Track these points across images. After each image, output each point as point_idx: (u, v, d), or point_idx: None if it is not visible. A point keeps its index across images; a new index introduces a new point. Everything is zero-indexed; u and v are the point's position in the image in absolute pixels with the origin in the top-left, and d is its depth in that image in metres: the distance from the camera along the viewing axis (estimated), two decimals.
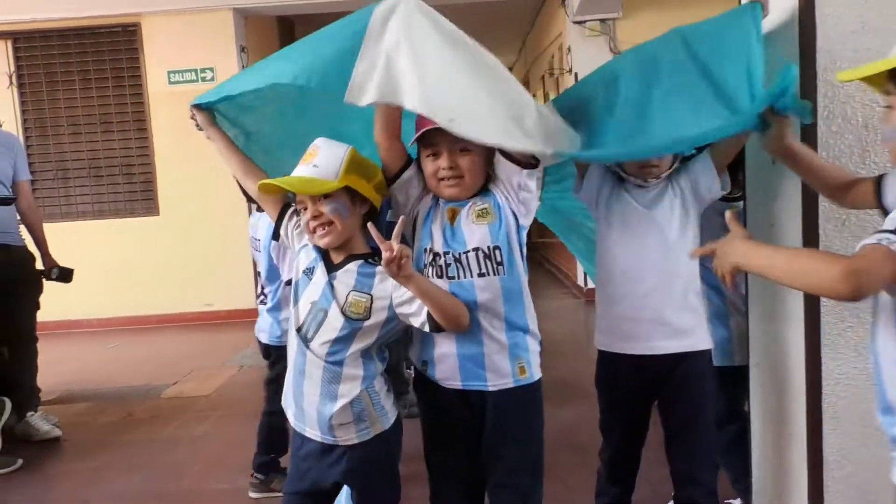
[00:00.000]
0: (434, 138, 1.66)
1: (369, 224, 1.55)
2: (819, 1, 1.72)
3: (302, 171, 1.64)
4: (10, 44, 6.51)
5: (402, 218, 1.65)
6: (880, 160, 1.74)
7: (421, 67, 1.54)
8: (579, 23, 6.46)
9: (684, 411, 1.92)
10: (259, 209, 2.55)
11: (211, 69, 6.53)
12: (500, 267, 1.68)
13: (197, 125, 1.93)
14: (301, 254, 1.73)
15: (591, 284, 5.56)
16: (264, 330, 2.76)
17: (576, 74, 6.54)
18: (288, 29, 8.39)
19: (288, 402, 1.74)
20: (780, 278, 1.35)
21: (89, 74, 6.58)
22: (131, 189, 6.76)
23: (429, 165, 1.72)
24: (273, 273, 2.69)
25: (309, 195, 1.62)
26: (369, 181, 1.69)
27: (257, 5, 6.62)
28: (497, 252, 1.67)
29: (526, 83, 10.22)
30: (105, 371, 5.08)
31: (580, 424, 3.07)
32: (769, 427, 2.07)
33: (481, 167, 1.70)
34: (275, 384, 2.54)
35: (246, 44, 6.72)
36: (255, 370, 4.89)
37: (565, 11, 6.56)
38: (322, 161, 1.63)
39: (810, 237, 1.76)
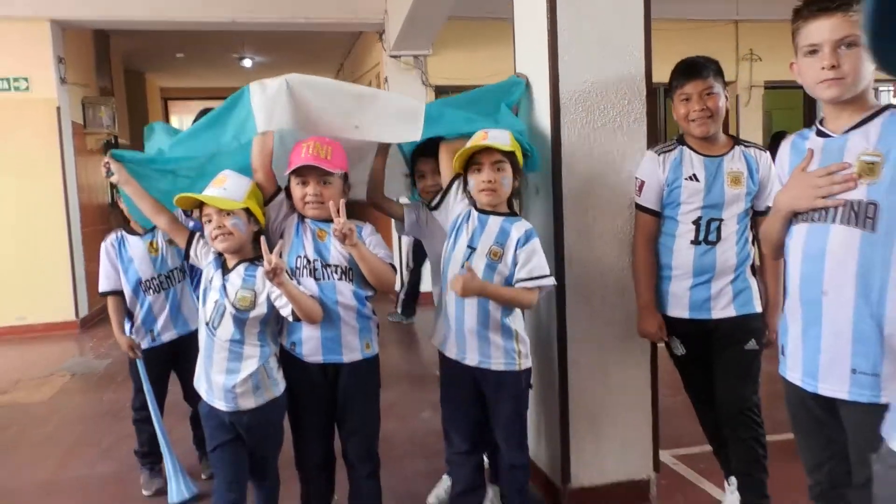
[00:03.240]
0: (304, 170, 2.24)
1: (262, 238, 2.09)
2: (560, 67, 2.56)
3: (213, 192, 2.15)
4: None
5: (280, 241, 2.21)
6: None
7: (316, 97, 2.26)
8: (395, 56, 7.22)
9: None
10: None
11: (25, 79, 6.43)
12: (352, 273, 2.29)
13: (109, 172, 2.33)
14: (207, 269, 2.23)
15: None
16: None
17: None
18: (103, 41, 8.32)
19: (200, 382, 2.23)
20: None
21: None
22: None
23: (298, 191, 2.29)
24: None
25: (217, 209, 2.13)
26: (261, 207, 2.23)
27: (76, 18, 6.60)
28: (352, 271, 2.29)
29: None
30: None
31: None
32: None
33: (339, 196, 2.30)
34: None
35: (64, 55, 6.67)
36: (89, 376, 5.03)
37: (382, 46, 7.28)
38: (230, 186, 2.16)
39: (559, 243, 2.58)
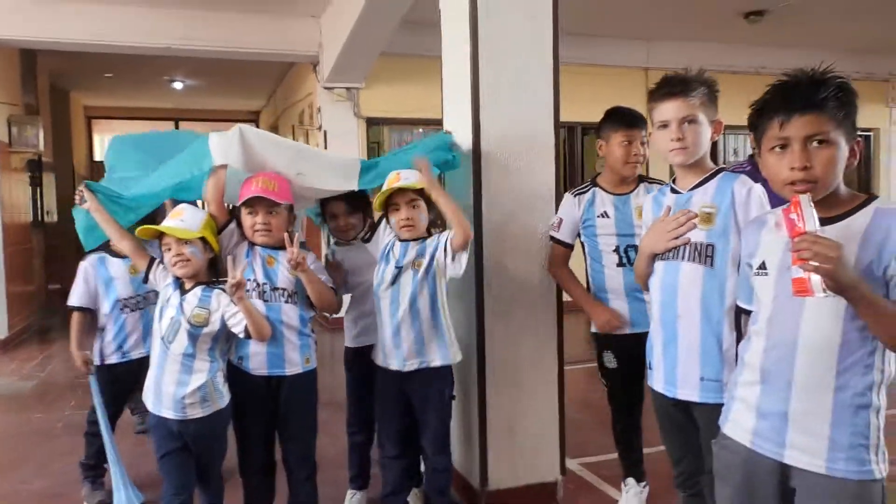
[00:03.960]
0: (254, 201, 2.51)
1: (229, 258, 2.36)
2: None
3: (172, 223, 2.38)
4: None
5: (242, 260, 2.47)
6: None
7: (263, 147, 2.57)
8: (329, 88, 7.50)
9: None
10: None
11: None
12: (297, 296, 2.57)
13: (82, 199, 2.53)
14: (165, 290, 2.45)
15: None
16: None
17: (325, 132, 7.56)
18: (30, 59, 8.26)
19: (147, 394, 2.43)
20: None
21: None
22: None
23: (248, 220, 2.55)
24: None
25: (175, 238, 2.36)
26: (214, 236, 2.47)
27: (8, 37, 6.59)
28: (297, 295, 2.57)
29: (275, 129, 11.00)
30: None
31: None
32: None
33: (285, 225, 2.57)
34: None
35: None
36: (15, 396, 5.03)
37: (316, 77, 7.56)
38: (187, 218, 2.40)
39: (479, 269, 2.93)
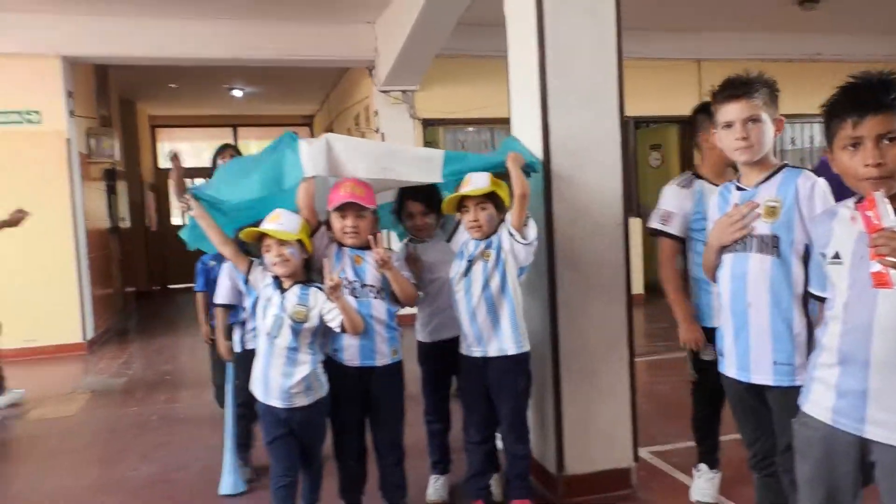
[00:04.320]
0: (344, 206, 2.72)
1: (324, 260, 2.58)
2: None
3: (271, 226, 2.59)
4: None
5: (339, 264, 2.69)
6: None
7: (349, 152, 2.80)
8: (385, 91, 7.73)
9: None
10: None
11: (37, 112, 6.80)
12: (384, 292, 2.77)
13: (188, 207, 2.77)
14: (266, 290, 2.67)
15: None
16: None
17: (382, 134, 7.78)
18: (103, 74, 8.72)
19: (257, 385, 2.65)
20: None
21: None
22: None
23: (338, 223, 2.76)
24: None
25: (276, 240, 2.58)
26: (308, 238, 2.69)
27: (85, 54, 7.01)
28: (384, 291, 2.77)
29: (330, 132, 11.28)
30: None
31: None
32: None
33: (371, 227, 2.77)
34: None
35: (73, 89, 7.06)
36: (108, 393, 5.38)
37: (373, 81, 7.79)
38: (286, 221, 2.61)
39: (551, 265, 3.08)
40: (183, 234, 3.05)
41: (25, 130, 6.78)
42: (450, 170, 2.95)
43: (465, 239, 2.92)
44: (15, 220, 5.01)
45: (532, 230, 2.80)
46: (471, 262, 2.82)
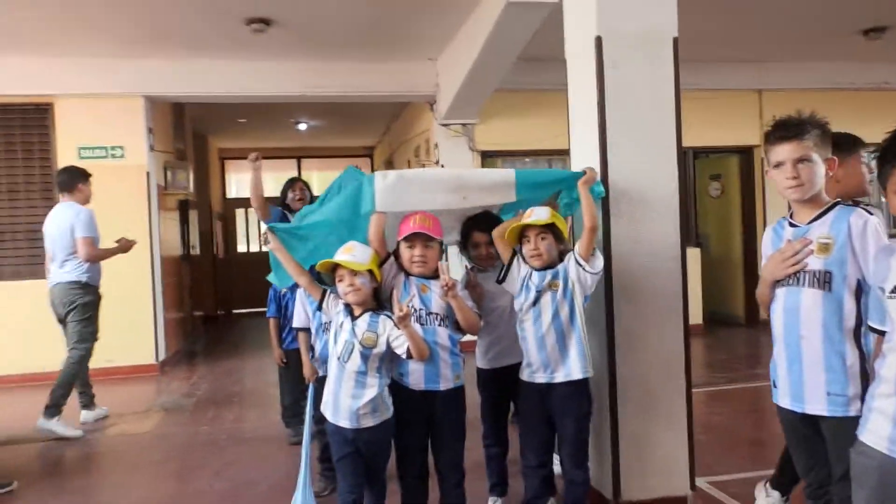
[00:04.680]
0: (412, 237, 2.89)
1: (393, 293, 2.76)
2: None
3: (345, 257, 2.78)
4: None
5: (409, 295, 2.86)
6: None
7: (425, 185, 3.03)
8: (445, 125, 7.97)
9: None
10: None
11: (121, 147, 7.27)
12: (448, 320, 2.91)
13: (266, 241, 3.00)
14: (337, 316, 2.86)
15: None
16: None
17: (442, 166, 8.00)
18: (179, 110, 9.25)
19: (327, 406, 2.82)
20: None
21: None
22: (34, 253, 7.19)
23: (406, 253, 2.93)
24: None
25: (349, 270, 2.76)
26: (378, 268, 2.86)
27: (165, 94, 7.48)
28: (448, 319, 2.91)
29: (390, 164, 11.65)
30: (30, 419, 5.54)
31: None
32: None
33: (437, 256, 2.93)
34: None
35: (153, 125, 7.53)
36: (180, 411, 5.66)
37: (433, 115, 8.04)
38: (358, 253, 2.79)
39: (609, 300, 3.17)
40: (271, 278, 3.26)
41: (111, 164, 7.25)
42: (522, 191, 3.12)
43: (525, 272, 3.03)
44: (126, 248, 5.41)
45: (599, 260, 2.95)
46: (539, 293, 2.95)
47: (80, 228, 5.08)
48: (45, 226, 5.29)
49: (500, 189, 3.14)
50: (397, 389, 2.91)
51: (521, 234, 2.99)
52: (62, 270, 5.16)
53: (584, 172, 3.13)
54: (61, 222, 5.14)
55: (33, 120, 7.16)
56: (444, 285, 2.81)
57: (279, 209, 4.85)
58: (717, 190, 9.68)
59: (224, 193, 13.64)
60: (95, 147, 7.21)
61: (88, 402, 5.48)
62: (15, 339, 6.91)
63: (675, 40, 3.27)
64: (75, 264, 5.14)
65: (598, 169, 3.22)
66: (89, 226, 5.14)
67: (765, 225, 8.47)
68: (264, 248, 3.11)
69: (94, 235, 5.18)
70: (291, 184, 4.96)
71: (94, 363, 7.10)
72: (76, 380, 5.25)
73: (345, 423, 2.78)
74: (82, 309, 5.18)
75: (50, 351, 7.02)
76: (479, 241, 3.25)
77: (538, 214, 2.95)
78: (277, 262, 3.08)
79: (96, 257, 5.21)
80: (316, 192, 4.91)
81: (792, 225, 2.30)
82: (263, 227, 3.22)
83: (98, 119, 7.19)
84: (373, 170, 14.27)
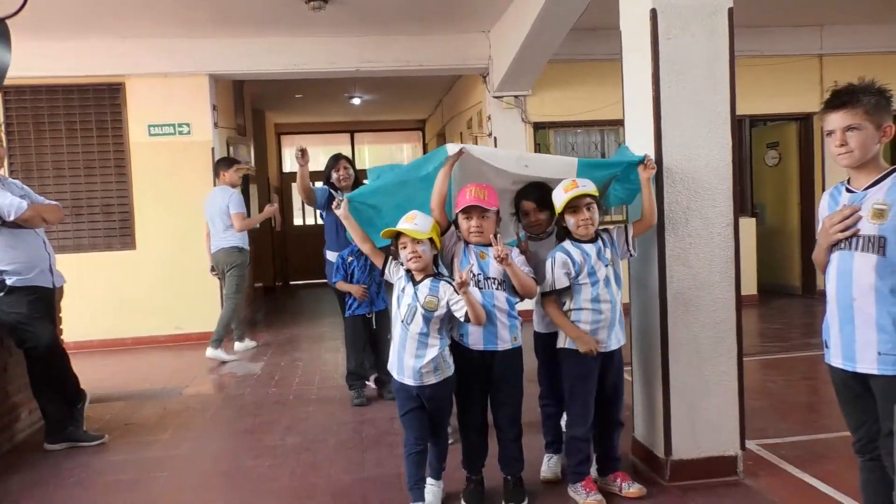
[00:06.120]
0: (469, 208, 3.05)
1: (455, 260, 2.95)
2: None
3: (407, 226, 2.96)
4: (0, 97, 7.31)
5: (460, 261, 3.05)
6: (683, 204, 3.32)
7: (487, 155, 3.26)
8: (497, 97, 8.04)
9: None
10: None
11: (188, 124, 7.60)
12: (505, 284, 3.07)
13: (337, 207, 3.20)
14: (399, 282, 3.05)
15: None
16: None
17: (495, 138, 8.11)
18: (239, 87, 9.55)
19: (392, 365, 3.04)
20: None
21: (75, 125, 7.48)
22: (110, 226, 7.63)
23: (464, 223, 3.09)
24: None
25: (411, 238, 2.95)
26: (438, 237, 3.04)
27: (228, 72, 7.76)
28: (505, 283, 3.07)
29: (442, 136, 11.78)
30: (115, 381, 5.97)
31: None
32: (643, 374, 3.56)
33: (493, 226, 3.09)
34: None
35: (216, 102, 7.84)
36: (249, 375, 6.00)
37: (486, 87, 8.13)
38: (419, 222, 2.97)
39: (662, 263, 3.29)
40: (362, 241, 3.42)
41: (179, 141, 7.60)
42: (582, 167, 3.28)
43: (565, 246, 3.18)
44: (269, 213, 6.74)
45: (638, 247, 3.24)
46: (593, 267, 3.12)
47: (233, 206, 6.51)
48: (205, 204, 6.73)
49: (560, 169, 3.30)
50: (458, 349, 3.10)
51: (569, 204, 3.10)
52: (223, 236, 6.56)
53: (642, 158, 3.26)
54: (219, 202, 6.56)
55: (107, 99, 7.54)
56: (497, 256, 2.96)
57: (325, 188, 5.05)
58: (775, 158, 9.51)
59: (280, 168, 14.00)
60: (164, 124, 7.56)
61: (241, 336, 7.13)
62: (93, 307, 7.35)
63: (731, 11, 3.30)
64: (231, 233, 6.54)
65: (651, 139, 3.31)
66: (239, 204, 6.58)
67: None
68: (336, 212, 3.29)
69: (242, 211, 6.61)
70: (335, 162, 5.14)
71: (165, 330, 7.65)
72: (232, 320, 6.78)
73: (409, 381, 2.99)
74: (239, 268, 6.64)
75: (121, 318, 7.55)
76: (528, 210, 3.38)
77: (585, 186, 3.09)
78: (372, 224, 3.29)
79: (247, 226, 6.67)
80: (367, 165, 5.14)
81: (849, 191, 2.37)
82: (339, 194, 3.42)
83: (166, 97, 7.53)
84: (424, 143, 14.45)
